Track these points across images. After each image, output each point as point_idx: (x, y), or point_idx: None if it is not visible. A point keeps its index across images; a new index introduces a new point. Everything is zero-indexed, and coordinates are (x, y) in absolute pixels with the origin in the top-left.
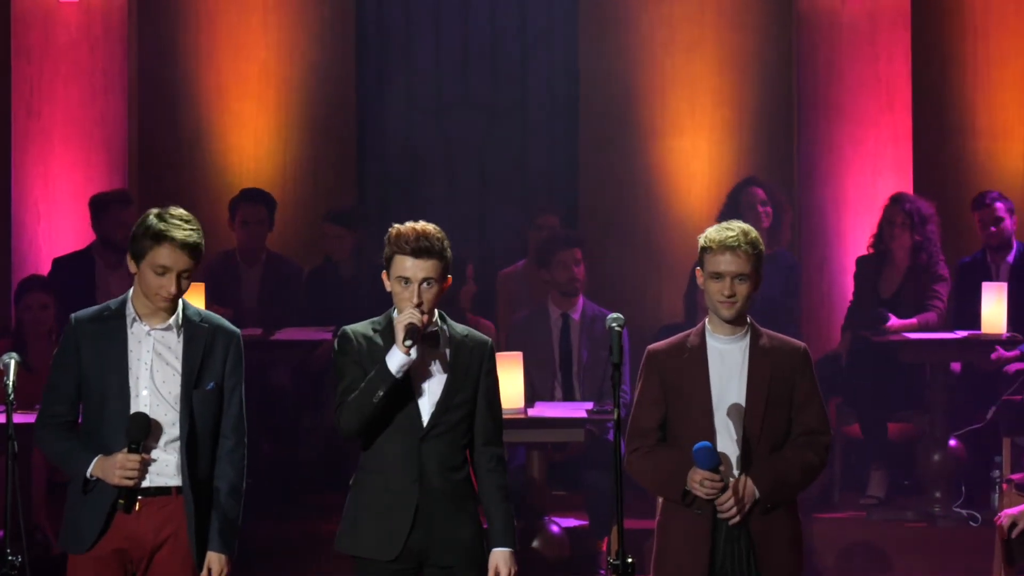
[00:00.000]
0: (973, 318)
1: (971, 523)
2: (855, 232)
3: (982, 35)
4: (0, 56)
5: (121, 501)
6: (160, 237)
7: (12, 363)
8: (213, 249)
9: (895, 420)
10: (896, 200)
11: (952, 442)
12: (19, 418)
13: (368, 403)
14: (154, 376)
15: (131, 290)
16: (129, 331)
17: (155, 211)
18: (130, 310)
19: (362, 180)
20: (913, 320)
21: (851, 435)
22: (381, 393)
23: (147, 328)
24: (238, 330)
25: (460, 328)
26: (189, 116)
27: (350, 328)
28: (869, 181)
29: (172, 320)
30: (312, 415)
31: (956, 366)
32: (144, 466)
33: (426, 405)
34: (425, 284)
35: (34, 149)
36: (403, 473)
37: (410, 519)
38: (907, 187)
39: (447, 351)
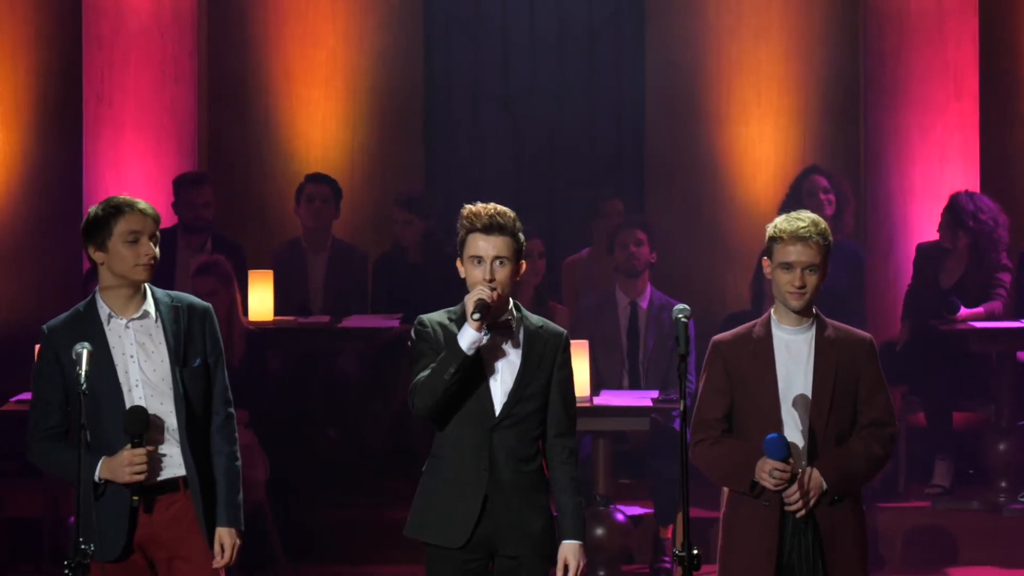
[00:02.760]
0: None
1: None
2: (921, 221)
3: None
4: (71, 44)
5: (135, 498)
6: (121, 208)
7: (84, 352)
8: (280, 238)
9: (961, 409)
10: (948, 202)
11: (1018, 431)
12: None
13: (440, 381)
14: (143, 367)
15: (96, 290)
16: (106, 328)
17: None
18: (102, 308)
19: (429, 167)
20: (980, 309)
21: (916, 424)
22: (452, 370)
23: (124, 321)
24: (209, 304)
25: (535, 319)
26: (257, 103)
27: (426, 316)
28: (936, 169)
29: (146, 307)
30: (379, 402)
31: (1022, 355)
32: (151, 459)
33: (498, 395)
34: (498, 263)
35: (105, 136)
36: (473, 462)
37: (478, 508)
38: (974, 176)
39: (521, 341)
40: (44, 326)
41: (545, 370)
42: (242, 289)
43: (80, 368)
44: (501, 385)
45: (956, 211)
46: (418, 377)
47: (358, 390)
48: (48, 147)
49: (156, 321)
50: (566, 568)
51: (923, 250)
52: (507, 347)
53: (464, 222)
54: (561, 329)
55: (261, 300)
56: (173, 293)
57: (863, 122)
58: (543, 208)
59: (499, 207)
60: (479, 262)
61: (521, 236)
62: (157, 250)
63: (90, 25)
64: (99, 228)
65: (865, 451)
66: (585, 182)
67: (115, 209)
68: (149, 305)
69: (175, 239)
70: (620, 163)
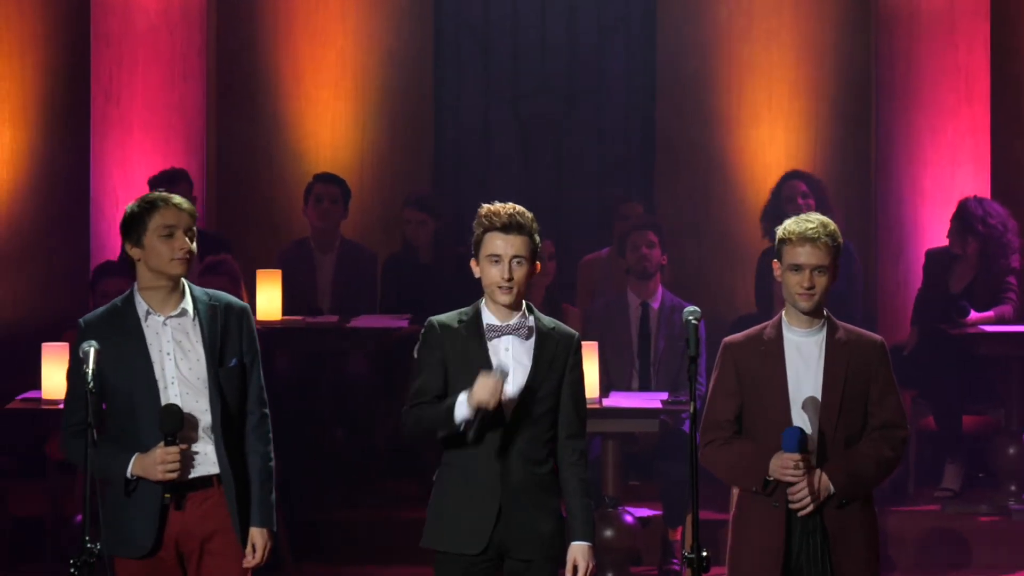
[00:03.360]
0: None
1: None
2: (932, 224)
3: None
4: (79, 41)
5: (167, 495)
6: (156, 202)
7: (92, 351)
8: (288, 238)
9: (970, 413)
10: (957, 207)
11: None
12: None
13: (431, 432)
14: (179, 365)
15: (134, 286)
16: (144, 325)
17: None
18: (140, 304)
19: (438, 167)
20: (991, 313)
21: (926, 428)
22: (443, 434)
23: (162, 319)
24: (247, 304)
25: (547, 320)
26: (267, 102)
27: (436, 319)
28: (947, 173)
29: (184, 305)
30: (387, 403)
31: None
32: (184, 457)
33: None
34: (515, 262)
35: (113, 134)
36: (485, 467)
37: (494, 513)
38: (984, 180)
39: (533, 343)
40: (81, 320)
41: (557, 372)
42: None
43: (87, 367)
44: (513, 387)
45: (965, 217)
46: (415, 400)
47: (366, 390)
48: (55, 145)
49: (194, 319)
50: (575, 569)
51: (933, 256)
52: (519, 349)
53: (482, 221)
54: (573, 331)
55: (269, 299)
56: (211, 292)
57: (874, 126)
58: (552, 209)
59: (517, 207)
60: (497, 261)
61: (537, 237)
62: (194, 245)
63: (98, 23)
64: (135, 224)
65: (875, 454)
66: (595, 183)
67: (150, 204)
68: (187, 303)
69: None
70: (630, 165)
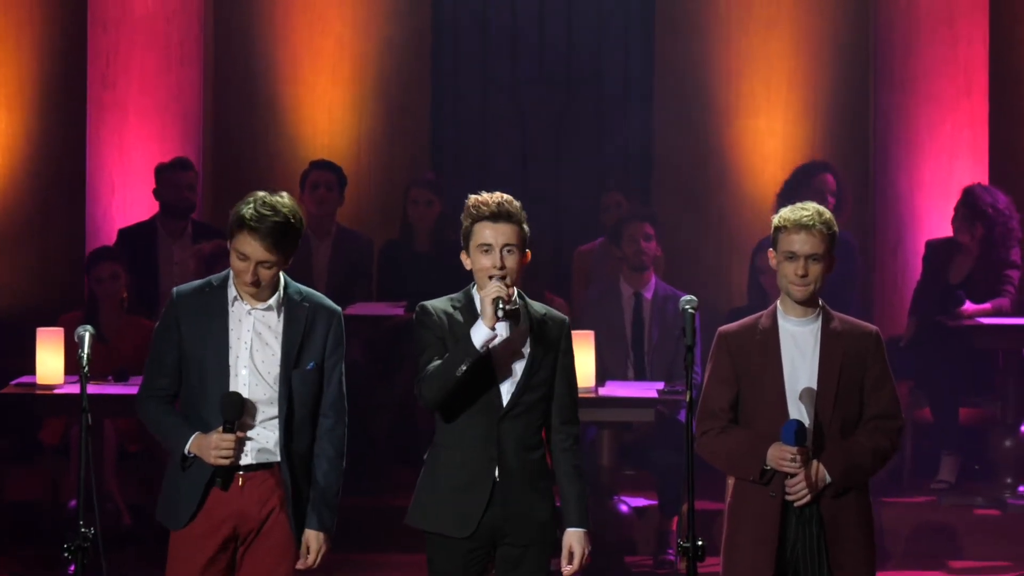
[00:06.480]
0: None
1: None
2: (930, 216)
3: None
4: (77, 26)
5: (218, 479)
6: (241, 224)
7: (87, 335)
8: None
9: (967, 405)
10: (963, 194)
11: None
12: (91, 389)
13: (451, 376)
14: (253, 356)
15: (231, 270)
16: (230, 309)
17: (261, 194)
18: (232, 288)
19: (436, 155)
20: (987, 305)
21: (922, 420)
22: (464, 368)
23: (248, 307)
24: (339, 308)
25: (538, 306)
26: (264, 89)
27: (429, 304)
28: (945, 165)
29: (273, 300)
30: (384, 390)
31: None
32: (239, 445)
33: (506, 384)
34: (506, 250)
35: (109, 120)
36: (481, 451)
37: (487, 497)
38: (983, 172)
39: (528, 330)
40: (174, 289)
41: (551, 358)
42: None
43: (82, 351)
44: (510, 375)
45: (973, 202)
46: (426, 369)
47: (361, 378)
48: (51, 130)
49: (279, 316)
50: (571, 556)
51: (933, 246)
52: (515, 336)
53: (471, 211)
54: (563, 316)
55: None
56: (306, 291)
57: (872, 117)
58: (549, 197)
59: (505, 196)
60: (487, 250)
61: (526, 226)
62: (269, 272)
63: (96, 8)
64: (229, 225)
65: (871, 444)
66: (592, 173)
67: (239, 222)
68: (277, 299)
69: (155, 230)
70: (627, 154)
